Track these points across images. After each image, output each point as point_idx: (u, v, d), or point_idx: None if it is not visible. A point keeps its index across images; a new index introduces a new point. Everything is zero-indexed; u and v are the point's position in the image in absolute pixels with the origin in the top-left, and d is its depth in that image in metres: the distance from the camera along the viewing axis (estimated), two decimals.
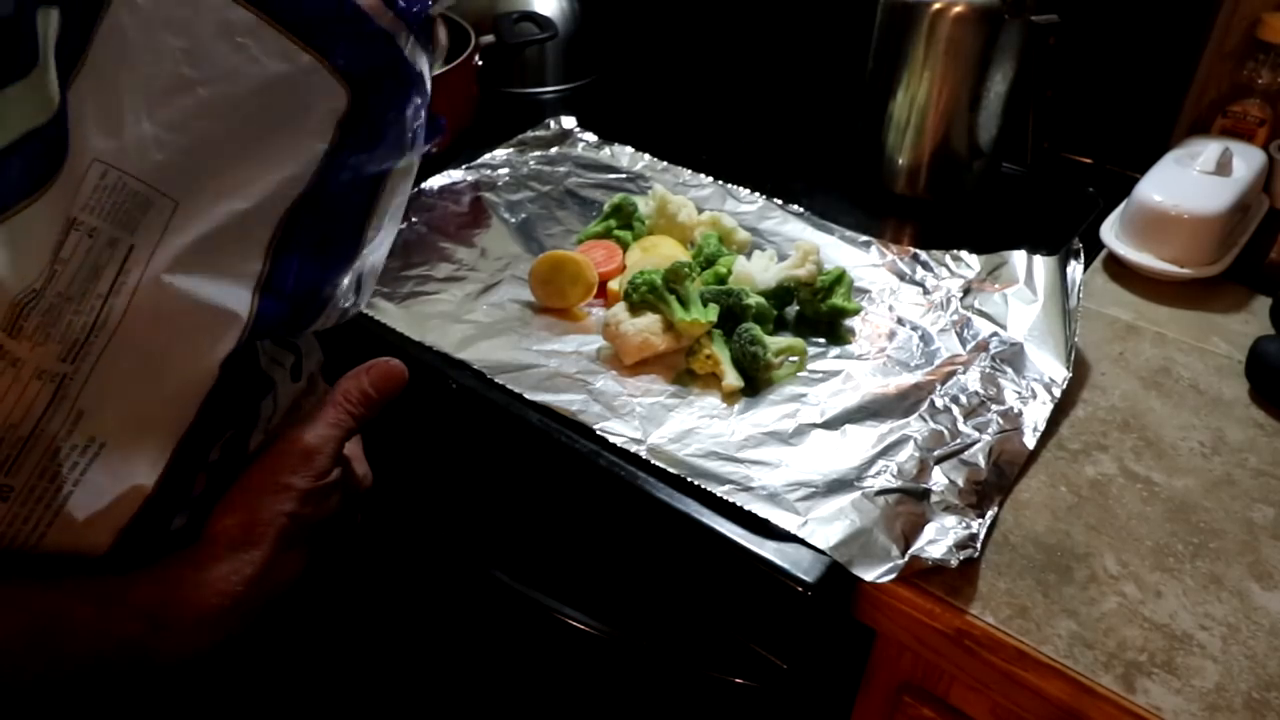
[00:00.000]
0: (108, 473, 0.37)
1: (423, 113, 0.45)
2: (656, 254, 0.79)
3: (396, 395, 0.48)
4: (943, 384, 0.69)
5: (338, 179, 0.41)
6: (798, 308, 0.77)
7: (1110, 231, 0.86)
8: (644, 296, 0.71)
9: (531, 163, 0.99)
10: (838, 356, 0.73)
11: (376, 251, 0.47)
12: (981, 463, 0.62)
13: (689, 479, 0.61)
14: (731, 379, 0.68)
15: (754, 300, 0.73)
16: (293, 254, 0.40)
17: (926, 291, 0.80)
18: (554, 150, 1.02)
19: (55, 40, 0.34)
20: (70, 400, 0.35)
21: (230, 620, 0.40)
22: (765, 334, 0.71)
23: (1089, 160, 1.02)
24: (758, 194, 0.93)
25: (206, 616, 0.39)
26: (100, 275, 0.35)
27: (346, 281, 0.44)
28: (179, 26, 0.36)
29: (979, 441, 0.64)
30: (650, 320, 0.70)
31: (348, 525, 0.48)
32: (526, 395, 0.67)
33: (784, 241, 0.86)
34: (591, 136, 1.04)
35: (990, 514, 0.60)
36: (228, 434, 0.41)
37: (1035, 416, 0.66)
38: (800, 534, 0.57)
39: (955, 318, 0.76)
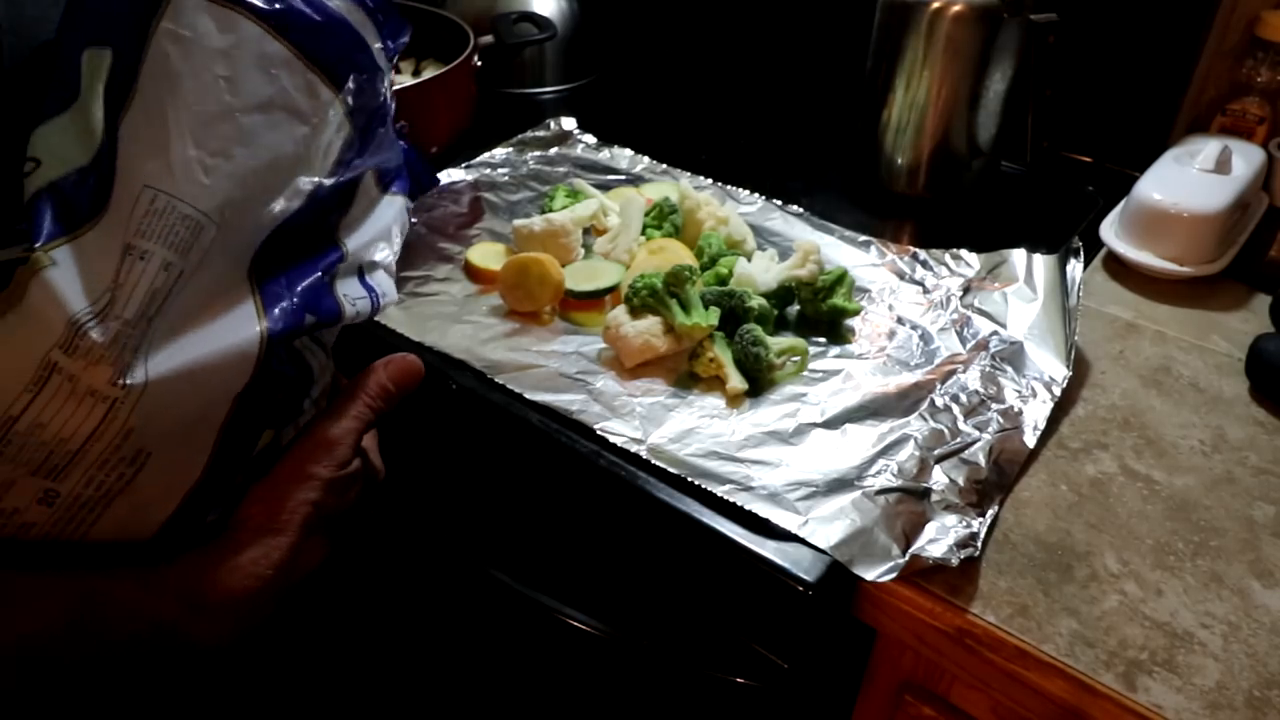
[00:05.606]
0: (153, 477, 0.38)
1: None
2: (663, 257, 0.79)
3: (413, 390, 0.49)
4: (943, 383, 0.69)
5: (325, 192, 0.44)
6: (798, 307, 0.77)
7: (1110, 230, 0.86)
8: (644, 300, 0.71)
9: (531, 162, 0.99)
10: (838, 356, 0.73)
11: (377, 251, 0.47)
12: (982, 461, 0.62)
13: (689, 479, 0.61)
14: (735, 382, 0.68)
15: (756, 302, 0.73)
16: (281, 265, 0.42)
17: (926, 290, 0.80)
18: (553, 150, 1.02)
19: (106, 79, 0.36)
20: (121, 420, 0.36)
21: (259, 603, 0.41)
22: (766, 334, 0.71)
23: (1088, 159, 1.02)
24: (757, 194, 0.93)
25: (239, 599, 0.40)
26: (154, 299, 0.36)
27: (344, 265, 0.45)
28: (222, 55, 0.38)
29: (979, 440, 0.64)
30: (651, 322, 0.70)
31: (365, 515, 0.50)
32: (526, 395, 0.67)
33: (784, 242, 0.86)
34: (591, 138, 1.04)
35: (991, 513, 0.60)
36: (267, 433, 0.43)
37: (1035, 415, 0.66)
38: (801, 533, 0.57)
39: (955, 316, 0.76)
